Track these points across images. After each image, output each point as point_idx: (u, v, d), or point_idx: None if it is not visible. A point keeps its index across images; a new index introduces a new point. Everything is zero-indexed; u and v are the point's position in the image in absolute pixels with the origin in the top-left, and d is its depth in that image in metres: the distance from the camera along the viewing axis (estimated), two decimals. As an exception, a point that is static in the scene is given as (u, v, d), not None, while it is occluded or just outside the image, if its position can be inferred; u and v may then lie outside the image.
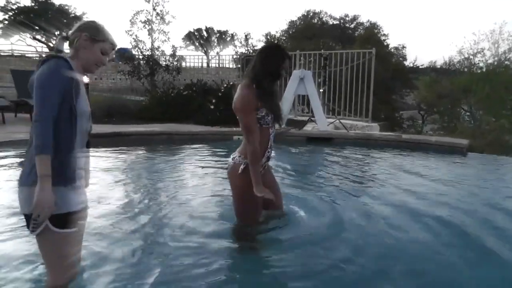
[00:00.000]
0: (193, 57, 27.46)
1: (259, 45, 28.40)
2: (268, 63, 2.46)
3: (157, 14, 13.40)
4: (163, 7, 13.49)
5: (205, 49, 34.92)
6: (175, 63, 13.13)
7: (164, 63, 13.05)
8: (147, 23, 13.33)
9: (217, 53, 23.02)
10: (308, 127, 8.66)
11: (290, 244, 2.68)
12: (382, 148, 6.97)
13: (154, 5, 13.38)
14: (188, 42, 36.68)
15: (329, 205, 3.57)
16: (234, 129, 8.17)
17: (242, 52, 18.65)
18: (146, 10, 13.37)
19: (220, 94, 10.10)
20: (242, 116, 2.45)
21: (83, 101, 1.78)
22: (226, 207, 3.24)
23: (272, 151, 2.67)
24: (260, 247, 2.68)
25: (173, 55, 13.27)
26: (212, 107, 9.75)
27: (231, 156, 2.64)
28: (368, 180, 4.73)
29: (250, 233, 2.71)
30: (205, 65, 26.07)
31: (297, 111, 10.82)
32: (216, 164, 5.40)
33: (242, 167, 2.52)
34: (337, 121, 9.05)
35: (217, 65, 25.93)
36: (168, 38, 13.80)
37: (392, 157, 6.36)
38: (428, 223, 3.12)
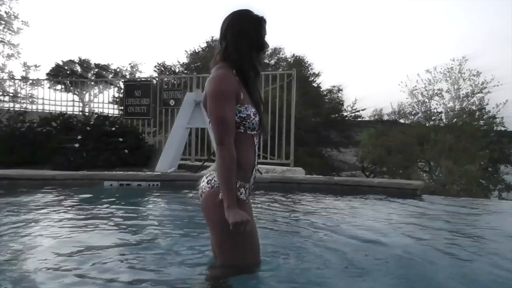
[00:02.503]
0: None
1: (150, 73, 29.16)
2: (246, 32, 2.47)
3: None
4: (10, 8, 13.45)
5: (77, 91, 34.64)
6: (27, 88, 13.01)
7: (12, 88, 12.88)
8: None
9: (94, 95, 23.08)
10: (208, 170, 9.04)
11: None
12: (307, 192, 7.59)
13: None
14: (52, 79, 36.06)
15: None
16: (106, 172, 8.38)
17: (125, 78, 19.05)
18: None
19: (88, 128, 10.33)
20: (216, 105, 2.38)
21: None
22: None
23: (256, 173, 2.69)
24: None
25: (25, 77, 13.16)
26: (76, 145, 10.01)
27: (205, 179, 2.62)
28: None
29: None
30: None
31: (193, 155, 11.32)
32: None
33: (241, 192, 2.54)
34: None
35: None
36: (18, 53, 13.66)
37: (316, 201, 6.98)
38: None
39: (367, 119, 26.33)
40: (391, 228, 4.96)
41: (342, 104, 26.17)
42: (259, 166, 9.26)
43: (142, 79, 14.10)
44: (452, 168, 14.72)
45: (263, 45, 2.52)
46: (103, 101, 15.34)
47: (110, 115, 14.34)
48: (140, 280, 2.90)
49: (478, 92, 21.41)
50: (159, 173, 8.50)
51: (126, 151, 10.22)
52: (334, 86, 26.72)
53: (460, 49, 63.35)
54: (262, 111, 2.61)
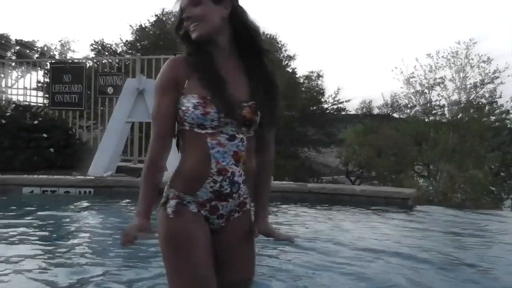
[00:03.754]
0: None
1: (86, 53, 28.94)
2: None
3: None
4: None
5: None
6: None
7: None
8: None
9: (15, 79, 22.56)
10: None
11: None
12: (273, 201, 7.70)
13: None
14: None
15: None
16: (25, 176, 8.36)
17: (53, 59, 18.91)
18: None
19: (3, 121, 10.28)
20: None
21: None
22: None
23: (242, 192, 2.56)
24: None
25: None
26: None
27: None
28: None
29: None
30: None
31: (135, 154, 11.36)
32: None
33: (171, 204, 2.54)
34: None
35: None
36: None
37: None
38: None
39: (353, 112, 26.62)
40: (351, 253, 5.00)
41: (323, 94, 26.43)
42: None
43: (74, 60, 14.02)
44: (454, 174, 15.03)
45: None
46: (25, 87, 15.17)
47: (33, 104, 14.21)
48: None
49: (489, 83, 21.79)
50: (93, 177, 8.52)
51: (52, 149, 10.17)
52: (312, 72, 26.88)
53: (468, 29, 64.16)
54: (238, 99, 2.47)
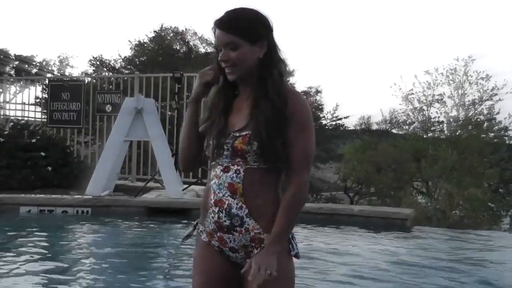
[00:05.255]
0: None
1: (84, 68, 28.94)
2: None
3: None
4: None
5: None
6: None
7: None
8: None
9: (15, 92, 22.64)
10: (151, 194, 9.20)
11: None
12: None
13: None
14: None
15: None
16: (23, 195, 8.41)
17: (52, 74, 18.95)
18: None
19: (1, 139, 10.28)
20: None
21: None
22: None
23: (251, 226, 2.52)
24: None
25: None
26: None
27: None
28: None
29: None
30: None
31: (133, 172, 11.42)
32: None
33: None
34: (202, 187, 9.71)
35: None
36: None
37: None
38: None
39: (351, 128, 26.66)
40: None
41: (321, 110, 26.53)
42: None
43: (72, 78, 14.08)
44: (452, 192, 15.10)
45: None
46: (23, 102, 15.21)
47: (31, 120, 14.24)
48: None
49: (487, 100, 21.85)
50: (90, 197, 8.56)
51: (49, 168, 10.20)
52: (311, 87, 27.03)
53: (465, 47, 64.20)
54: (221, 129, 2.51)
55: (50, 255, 5.67)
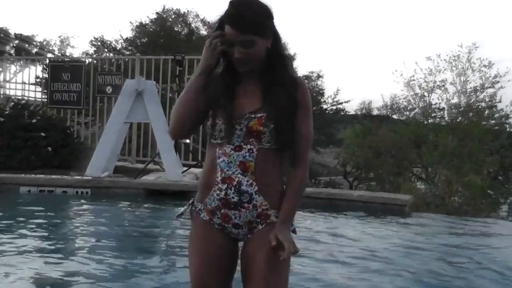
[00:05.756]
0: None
1: (85, 49, 28.93)
2: None
3: None
4: None
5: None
6: None
7: None
8: None
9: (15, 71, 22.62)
10: (150, 176, 9.25)
11: None
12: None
13: None
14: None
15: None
16: (23, 175, 8.45)
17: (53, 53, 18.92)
18: None
19: (1, 119, 10.32)
20: None
21: None
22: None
23: (259, 202, 2.63)
24: None
25: None
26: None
27: None
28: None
29: None
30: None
31: (133, 154, 11.46)
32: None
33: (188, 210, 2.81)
34: (201, 169, 9.77)
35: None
36: None
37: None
38: None
39: (352, 113, 26.66)
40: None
41: (322, 94, 26.55)
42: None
43: (73, 59, 14.03)
44: (451, 179, 15.13)
45: None
46: (23, 82, 15.20)
47: (31, 99, 14.24)
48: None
49: (490, 87, 21.90)
50: (90, 178, 8.59)
51: (50, 149, 10.23)
52: (312, 72, 27.00)
53: (468, 34, 63.96)
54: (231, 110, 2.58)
55: (49, 235, 5.71)
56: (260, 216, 2.64)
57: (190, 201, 2.77)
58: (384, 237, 6.33)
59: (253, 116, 2.54)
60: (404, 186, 16.21)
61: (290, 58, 2.67)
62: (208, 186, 2.64)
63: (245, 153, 2.57)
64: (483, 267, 5.14)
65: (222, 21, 2.51)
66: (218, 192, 2.60)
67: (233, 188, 2.57)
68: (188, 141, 11.18)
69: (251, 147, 2.56)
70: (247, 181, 2.56)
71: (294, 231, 2.69)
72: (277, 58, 2.59)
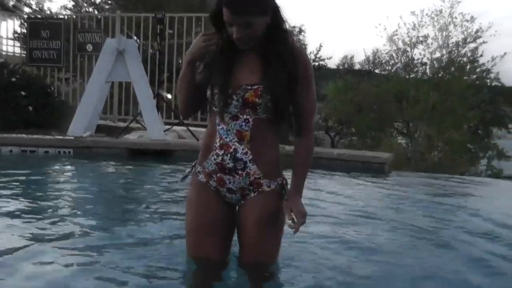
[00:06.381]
0: None
1: (64, 2, 28.53)
2: None
3: None
4: None
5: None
6: None
7: None
8: None
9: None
10: (132, 134, 9.30)
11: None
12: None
13: None
14: None
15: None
16: (4, 135, 8.50)
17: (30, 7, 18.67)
18: None
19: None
20: None
21: None
22: None
23: (252, 171, 2.75)
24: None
25: None
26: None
27: None
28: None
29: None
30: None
31: (115, 113, 11.50)
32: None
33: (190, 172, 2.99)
34: (183, 128, 9.91)
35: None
36: None
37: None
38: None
39: (334, 67, 26.58)
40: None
41: (305, 50, 26.31)
42: (194, 129, 9.61)
43: (52, 16, 13.85)
44: (431, 135, 15.34)
45: None
46: (1, 36, 14.98)
47: (10, 54, 14.08)
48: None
49: (471, 42, 21.85)
50: (72, 137, 8.61)
51: (31, 108, 10.19)
52: (294, 27, 26.63)
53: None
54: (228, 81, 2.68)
55: (32, 195, 5.71)
56: (253, 184, 2.77)
57: (193, 163, 2.92)
58: (362, 194, 6.44)
59: (249, 87, 2.63)
60: (385, 142, 16.41)
61: (291, 31, 2.72)
62: (208, 149, 2.79)
63: (242, 122, 2.68)
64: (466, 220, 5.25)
65: (220, 1, 2.54)
66: (215, 156, 2.75)
67: (229, 155, 2.71)
68: (170, 96, 11.23)
69: (247, 117, 2.68)
70: (243, 149, 2.70)
71: (282, 187, 2.85)
72: (276, 31, 2.63)
